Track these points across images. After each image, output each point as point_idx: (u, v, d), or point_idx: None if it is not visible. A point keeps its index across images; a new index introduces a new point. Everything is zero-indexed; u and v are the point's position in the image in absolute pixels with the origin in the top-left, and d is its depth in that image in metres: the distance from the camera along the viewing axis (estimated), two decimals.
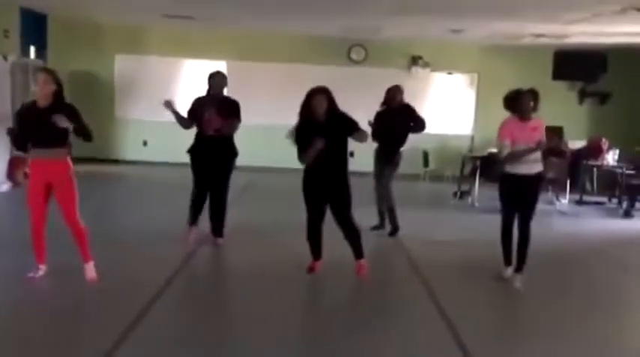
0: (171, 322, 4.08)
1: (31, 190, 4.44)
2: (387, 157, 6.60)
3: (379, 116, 6.71)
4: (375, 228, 6.73)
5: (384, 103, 6.72)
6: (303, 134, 4.80)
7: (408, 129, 6.62)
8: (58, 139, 4.37)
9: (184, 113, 5.74)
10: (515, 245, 5.05)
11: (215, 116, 5.60)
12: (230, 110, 5.73)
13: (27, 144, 4.46)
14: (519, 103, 4.92)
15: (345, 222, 4.99)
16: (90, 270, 4.56)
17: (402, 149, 6.63)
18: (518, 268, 5.05)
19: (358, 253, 5.10)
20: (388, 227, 6.67)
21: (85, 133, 4.43)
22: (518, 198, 5.00)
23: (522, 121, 4.93)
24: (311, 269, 5.16)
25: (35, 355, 3.47)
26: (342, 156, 4.97)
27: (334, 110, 4.87)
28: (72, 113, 4.36)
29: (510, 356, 3.71)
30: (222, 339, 3.81)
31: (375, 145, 6.62)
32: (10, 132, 4.54)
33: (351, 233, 5.04)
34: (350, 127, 4.85)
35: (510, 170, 4.99)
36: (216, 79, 5.76)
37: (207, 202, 5.86)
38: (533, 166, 4.96)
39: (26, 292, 4.36)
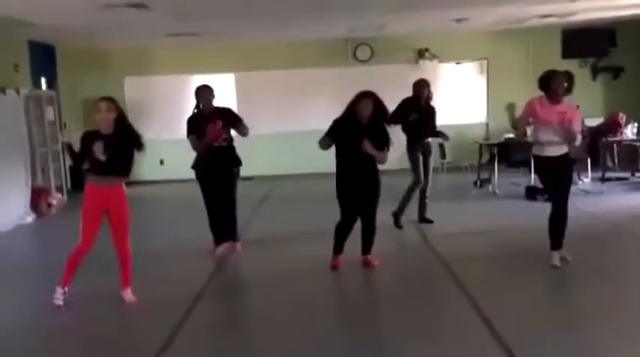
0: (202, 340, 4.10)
1: (85, 214, 4.47)
2: (427, 148, 6.80)
3: (408, 105, 6.74)
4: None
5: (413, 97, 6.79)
6: (341, 131, 5.05)
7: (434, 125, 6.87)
8: (123, 169, 4.50)
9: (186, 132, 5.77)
10: (554, 226, 5.00)
11: (222, 126, 5.66)
12: (233, 117, 5.82)
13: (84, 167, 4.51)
14: (551, 83, 4.86)
15: (370, 221, 5.25)
16: (128, 294, 4.65)
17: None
18: (559, 245, 5.01)
19: (368, 248, 5.36)
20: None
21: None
22: (556, 178, 4.95)
23: (552, 103, 4.86)
24: (334, 266, 5.32)
25: None
26: (373, 159, 5.11)
27: (382, 113, 5.08)
28: (137, 139, 4.53)
29: (550, 346, 3.64)
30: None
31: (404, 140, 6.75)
32: (69, 148, 4.66)
33: (371, 231, 5.30)
34: (382, 139, 5.06)
35: (538, 153, 4.94)
36: (206, 93, 5.75)
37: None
38: (558, 148, 4.90)
39: (57, 318, 4.42)
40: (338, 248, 5.35)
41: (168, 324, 4.13)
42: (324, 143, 5.15)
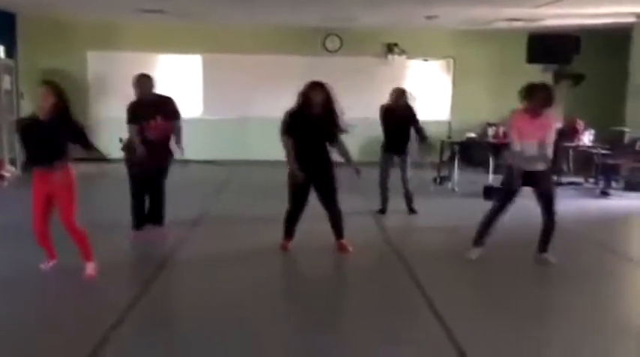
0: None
1: (34, 200, 4.53)
2: (402, 152, 7.07)
3: (387, 112, 7.05)
4: (380, 212, 7.12)
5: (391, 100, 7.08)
6: (296, 124, 5.11)
7: (410, 127, 7.10)
8: (58, 155, 4.43)
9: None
10: (541, 232, 5.16)
11: (162, 121, 5.66)
12: (171, 111, 5.78)
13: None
14: (531, 96, 4.90)
15: (332, 206, 5.35)
16: (89, 267, 4.62)
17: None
18: (545, 249, 5.18)
19: (340, 233, 5.45)
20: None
21: (90, 150, 4.61)
22: (535, 192, 5.05)
23: (532, 117, 4.92)
24: (284, 247, 5.47)
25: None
26: (324, 143, 5.25)
27: (331, 104, 5.15)
28: (73, 129, 4.47)
29: (503, 345, 3.73)
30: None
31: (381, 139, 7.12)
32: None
33: (335, 215, 5.40)
34: (335, 127, 5.19)
35: (518, 166, 4.99)
36: (146, 82, 5.73)
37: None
38: (538, 163, 4.97)
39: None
40: (288, 233, 5.48)
41: (117, 305, 4.08)
42: (288, 144, 5.17)
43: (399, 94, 7.06)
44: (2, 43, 9.95)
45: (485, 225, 5.21)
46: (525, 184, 5.01)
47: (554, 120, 5.02)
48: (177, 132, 5.84)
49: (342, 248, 5.45)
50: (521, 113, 5.00)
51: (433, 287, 4.57)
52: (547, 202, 5.08)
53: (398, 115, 6.98)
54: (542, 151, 4.92)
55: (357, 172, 5.30)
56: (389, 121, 7.03)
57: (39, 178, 4.51)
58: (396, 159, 7.13)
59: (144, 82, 5.71)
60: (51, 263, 4.73)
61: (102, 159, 4.76)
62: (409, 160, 7.12)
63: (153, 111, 5.64)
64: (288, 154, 5.21)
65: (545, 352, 3.60)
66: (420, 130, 7.12)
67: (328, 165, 5.30)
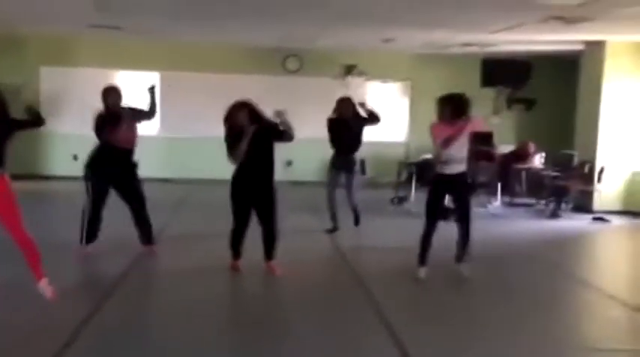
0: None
1: None
2: (349, 164, 7.02)
3: (332, 123, 7.05)
4: (331, 231, 7.09)
5: (335, 111, 7.07)
6: (232, 140, 5.10)
7: (361, 134, 7.07)
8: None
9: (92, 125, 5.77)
10: (457, 241, 5.34)
11: (132, 129, 5.75)
12: (139, 114, 5.94)
13: None
14: (439, 108, 5.17)
15: (269, 227, 5.30)
16: (46, 287, 4.41)
17: (357, 154, 7.09)
18: (460, 259, 5.34)
19: (272, 254, 5.38)
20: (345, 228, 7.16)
21: (33, 121, 4.57)
22: (452, 197, 5.25)
23: (448, 124, 5.11)
24: (234, 267, 5.42)
25: None
26: (268, 163, 5.24)
27: (259, 120, 5.12)
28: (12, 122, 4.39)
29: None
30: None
31: (329, 153, 7.13)
32: None
33: (272, 237, 5.34)
34: (274, 131, 5.13)
35: (439, 171, 5.22)
36: (113, 95, 5.75)
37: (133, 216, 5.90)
38: (458, 165, 5.17)
39: None
40: (235, 253, 5.43)
41: (71, 321, 3.96)
42: (233, 157, 5.14)
43: (343, 104, 7.03)
44: None
45: (423, 243, 5.31)
46: (444, 190, 5.24)
47: (474, 124, 5.19)
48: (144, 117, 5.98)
49: (270, 270, 5.38)
50: (438, 123, 5.20)
51: (386, 306, 4.60)
52: (463, 208, 5.28)
53: (342, 126, 6.97)
54: (458, 152, 5.12)
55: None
56: (334, 132, 7.02)
57: None
58: (344, 177, 7.07)
59: (111, 94, 5.73)
60: None
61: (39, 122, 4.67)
62: (356, 179, 7.09)
63: (119, 121, 5.63)
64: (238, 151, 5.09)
65: None
66: (371, 117, 7.05)
67: (269, 184, 5.27)
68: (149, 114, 6.06)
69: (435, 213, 5.28)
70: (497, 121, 9.82)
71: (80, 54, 11.17)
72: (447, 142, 5.01)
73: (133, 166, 5.86)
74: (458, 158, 5.15)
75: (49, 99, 11.17)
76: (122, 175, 5.77)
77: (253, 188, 5.23)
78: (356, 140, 7.06)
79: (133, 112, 5.87)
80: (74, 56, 11.16)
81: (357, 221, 7.31)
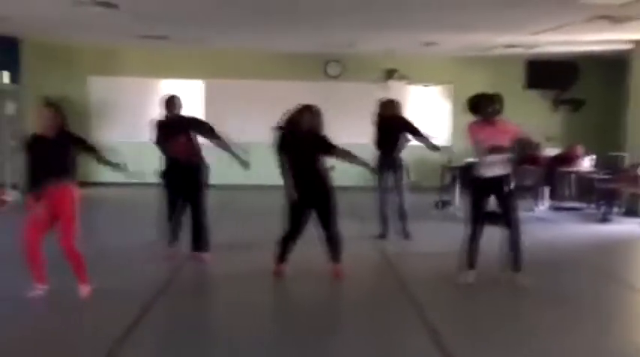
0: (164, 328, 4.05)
1: (35, 215, 4.51)
2: (396, 163, 6.98)
3: (382, 121, 7.03)
4: (381, 236, 7.03)
5: (379, 114, 7.08)
6: (287, 142, 5.14)
7: (402, 136, 7.02)
8: (63, 172, 4.54)
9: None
10: (508, 247, 5.17)
11: (185, 141, 5.80)
12: (199, 126, 5.96)
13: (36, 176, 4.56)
14: (479, 105, 5.08)
15: (330, 227, 5.28)
16: (85, 289, 4.64)
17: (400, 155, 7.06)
18: (517, 268, 5.16)
19: (337, 258, 5.35)
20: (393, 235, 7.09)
21: (97, 156, 4.81)
22: (497, 200, 5.11)
23: (488, 123, 5.00)
24: (277, 272, 5.41)
25: None
26: (318, 163, 5.27)
27: (317, 129, 5.19)
28: (78, 141, 4.67)
29: None
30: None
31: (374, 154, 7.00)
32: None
33: (336, 240, 5.33)
34: (325, 145, 5.22)
35: (481, 173, 5.09)
36: (174, 103, 5.86)
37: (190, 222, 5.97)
38: (499, 168, 5.06)
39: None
40: (282, 258, 5.43)
41: (119, 325, 4.07)
42: (283, 164, 5.24)
43: (387, 105, 7.04)
44: (6, 69, 10.05)
45: (469, 247, 5.22)
46: (488, 191, 5.08)
47: (513, 127, 5.11)
48: (225, 147, 5.99)
49: (336, 273, 5.38)
50: (475, 124, 5.09)
51: (431, 310, 4.56)
52: (508, 213, 5.11)
53: (387, 124, 6.94)
54: (502, 155, 5.00)
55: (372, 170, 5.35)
56: (382, 130, 7.00)
57: (41, 194, 4.51)
58: (391, 178, 7.00)
59: (171, 102, 5.85)
60: (40, 289, 4.61)
61: (120, 169, 4.87)
62: (404, 179, 7.02)
63: (177, 131, 5.76)
64: (284, 172, 5.23)
65: None
66: (421, 137, 7.02)
67: (327, 187, 5.29)
68: (213, 135, 5.97)
69: (478, 216, 5.17)
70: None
71: (126, 64, 11.47)
72: (492, 144, 4.91)
73: (197, 175, 5.91)
74: (499, 160, 5.05)
75: (97, 108, 11.52)
76: (184, 184, 5.84)
77: (311, 192, 5.22)
78: (399, 140, 7.03)
79: (194, 124, 5.93)
80: (120, 66, 11.47)
81: (405, 233, 7.09)
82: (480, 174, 5.10)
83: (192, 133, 5.85)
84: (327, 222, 5.29)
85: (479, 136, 5.02)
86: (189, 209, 5.92)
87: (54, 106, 4.65)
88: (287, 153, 5.21)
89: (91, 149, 4.78)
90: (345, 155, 5.31)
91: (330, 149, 5.23)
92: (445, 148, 7.12)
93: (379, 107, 7.10)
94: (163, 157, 5.90)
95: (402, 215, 7.08)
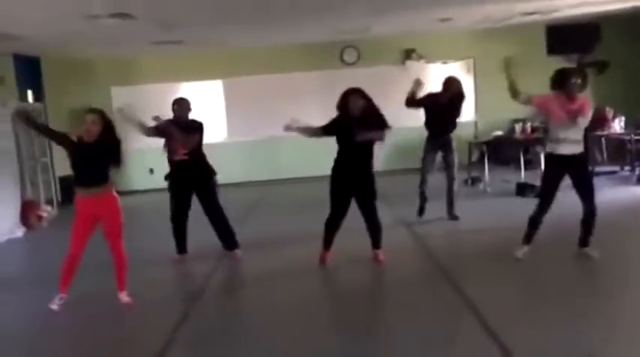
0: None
1: (78, 224, 4.57)
2: (447, 144, 6.85)
3: (432, 100, 6.83)
4: (420, 213, 7.03)
5: (445, 91, 6.87)
6: (338, 127, 5.19)
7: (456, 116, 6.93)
8: (104, 178, 4.61)
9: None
10: (581, 222, 5.06)
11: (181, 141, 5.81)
12: (193, 129, 5.90)
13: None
14: (567, 82, 4.82)
15: (371, 214, 5.37)
16: (125, 296, 4.74)
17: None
18: (586, 243, 5.09)
19: (378, 243, 5.48)
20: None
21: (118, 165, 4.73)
22: (572, 179, 4.96)
23: (568, 100, 4.84)
24: (322, 259, 5.50)
25: None
26: (369, 152, 5.27)
27: (370, 107, 5.22)
28: (112, 151, 4.65)
29: (544, 341, 3.66)
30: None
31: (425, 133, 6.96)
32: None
33: (375, 225, 5.42)
34: (379, 124, 5.19)
35: (553, 151, 4.95)
36: (180, 105, 5.96)
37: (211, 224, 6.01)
38: (575, 146, 4.91)
39: (52, 320, 4.42)
40: (327, 243, 5.50)
41: (165, 327, 4.14)
42: (313, 132, 5.32)
43: (453, 84, 6.84)
44: (30, 88, 10.23)
45: (532, 223, 5.10)
46: (563, 170, 4.93)
47: (588, 105, 4.91)
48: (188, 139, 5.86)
49: (376, 258, 5.46)
50: (555, 96, 4.90)
51: (476, 291, 4.51)
52: (584, 190, 4.97)
53: (444, 103, 6.75)
54: (577, 133, 4.85)
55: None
56: (434, 109, 6.79)
57: (85, 201, 4.57)
58: (441, 156, 6.89)
59: (179, 105, 5.94)
60: (62, 299, 4.67)
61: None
62: (455, 161, 6.87)
63: (185, 132, 5.81)
64: (304, 128, 5.28)
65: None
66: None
67: (369, 173, 5.31)
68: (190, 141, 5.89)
69: (550, 195, 5.00)
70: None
71: (145, 71, 11.57)
72: (575, 118, 4.75)
73: (207, 174, 5.95)
74: (576, 138, 4.90)
75: (121, 118, 11.64)
76: (195, 184, 5.88)
77: (353, 179, 5.27)
78: (454, 120, 6.90)
79: (190, 130, 5.87)
80: (140, 74, 11.57)
81: (452, 215, 6.98)
82: (556, 151, 4.95)
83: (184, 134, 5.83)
84: (368, 209, 5.35)
85: (557, 112, 4.85)
86: (205, 210, 5.92)
87: (97, 112, 4.66)
88: (340, 141, 5.25)
89: (116, 160, 4.72)
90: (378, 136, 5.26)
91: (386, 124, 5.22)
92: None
93: (443, 85, 6.87)
94: (169, 160, 5.93)
95: (451, 199, 6.98)
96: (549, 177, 5.03)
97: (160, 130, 5.85)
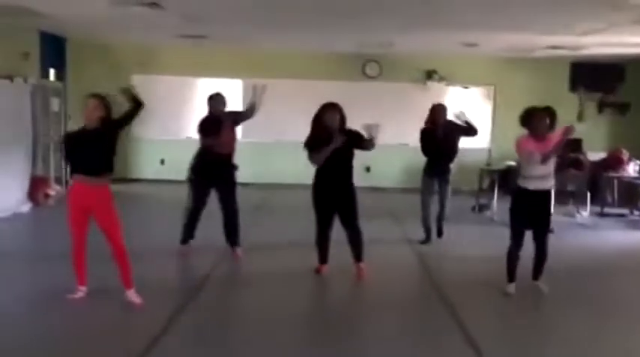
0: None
1: (71, 217, 4.50)
2: (444, 173, 6.81)
3: (425, 135, 6.84)
4: (424, 242, 6.92)
5: (429, 122, 6.85)
6: (316, 143, 5.19)
7: (456, 143, 6.88)
8: (102, 167, 4.47)
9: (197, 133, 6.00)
10: (533, 259, 5.10)
11: (232, 134, 5.99)
12: (237, 114, 6.18)
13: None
14: (534, 120, 4.85)
15: (352, 227, 5.38)
16: (133, 296, 4.58)
17: (452, 164, 6.89)
18: (537, 277, 5.14)
19: (359, 257, 5.45)
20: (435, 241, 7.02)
21: (132, 109, 4.68)
22: (532, 213, 4.97)
23: (538, 140, 4.86)
24: (318, 270, 5.52)
25: None
26: (347, 168, 5.32)
27: (343, 125, 5.24)
28: (117, 124, 4.58)
29: None
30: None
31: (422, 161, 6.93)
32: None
33: (356, 238, 5.41)
34: (358, 138, 5.21)
35: (523, 185, 4.95)
36: (219, 102, 6.00)
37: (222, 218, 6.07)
38: (545, 181, 4.93)
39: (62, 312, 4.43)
40: (322, 259, 5.53)
41: (154, 326, 4.12)
42: (313, 159, 5.26)
43: (436, 111, 6.81)
44: (53, 67, 10.32)
45: (510, 259, 5.11)
46: (532, 204, 4.94)
47: (555, 137, 4.90)
48: (245, 115, 6.17)
49: (359, 272, 5.43)
50: (527, 137, 4.91)
51: (468, 317, 4.48)
52: (544, 225, 5.01)
53: (436, 135, 6.74)
54: (549, 168, 4.87)
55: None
56: (427, 143, 6.78)
57: (77, 191, 4.48)
58: (437, 185, 6.88)
59: (216, 100, 5.99)
60: (81, 292, 4.60)
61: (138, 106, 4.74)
62: (449, 184, 6.87)
63: (224, 126, 5.89)
64: (320, 155, 5.18)
65: None
66: (467, 128, 6.86)
67: (349, 187, 5.35)
68: (248, 113, 6.16)
69: (522, 230, 5.03)
70: (582, 127, 9.36)
71: (167, 62, 11.64)
72: (546, 158, 4.76)
73: (233, 170, 6.04)
74: (548, 174, 4.93)
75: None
76: (222, 178, 5.95)
77: (334, 192, 5.32)
78: (451, 149, 6.85)
79: (234, 116, 6.09)
80: (162, 65, 11.64)
81: (440, 232, 7.06)
82: (525, 186, 4.95)
83: (233, 127, 6.01)
84: (349, 222, 5.37)
85: (528, 150, 4.86)
86: (223, 205, 5.98)
87: (99, 97, 4.56)
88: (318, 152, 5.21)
89: (126, 117, 4.66)
90: (370, 141, 5.23)
91: (364, 141, 5.20)
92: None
93: (430, 112, 6.84)
94: (201, 153, 5.93)
95: (441, 217, 7.02)
96: (517, 212, 5.02)
97: (208, 132, 5.85)
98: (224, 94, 6.11)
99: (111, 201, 4.54)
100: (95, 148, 4.43)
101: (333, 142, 5.06)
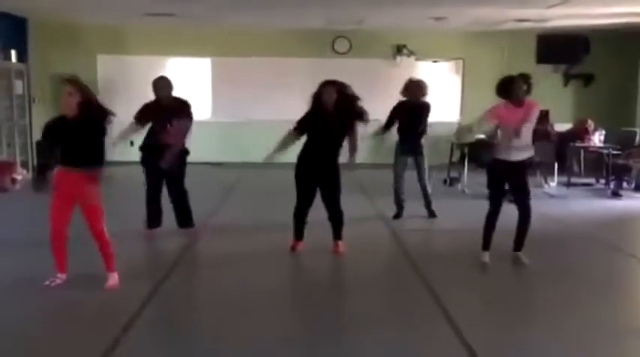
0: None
1: (55, 201, 4.37)
2: (417, 149, 6.84)
3: (402, 107, 6.84)
4: (396, 217, 6.97)
5: (405, 93, 6.85)
6: (311, 120, 5.23)
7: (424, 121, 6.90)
8: (93, 157, 4.32)
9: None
10: (516, 228, 5.15)
11: (177, 125, 5.70)
12: (182, 112, 5.77)
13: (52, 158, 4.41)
14: (512, 88, 4.91)
15: (333, 205, 5.39)
16: (112, 278, 4.52)
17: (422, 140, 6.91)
18: (519, 248, 5.19)
19: (339, 234, 5.49)
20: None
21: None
22: (509, 183, 5.05)
23: (516, 107, 4.93)
24: (293, 248, 5.52)
25: None
26: (337, 145, 5.32)
27: (348, 98, 5.27)
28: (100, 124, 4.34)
29: (507, 344, 3.73)
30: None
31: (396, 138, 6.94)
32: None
33: (337, 216, 5.43)
34: (355, 113, 5.27)
35: (500, 156, 5.02)
36: (162, 85, 5.78)
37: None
38: (523, 152, 4.99)
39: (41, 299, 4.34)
40: (298, 235, 5.52)
41: (128, 309, 4.11)
42: (291, 139, 5.34)
43: (413, 86, 6.81)
44: (14, 48, 10.04)
45: (486, 228, 5.20)
46: (509, 174, 5.02)
47: (535, 107, 4.96)
48: (185, 131, 5.83)
49: (336, 248, 5.48)
50: (504, 104, 4.99)
51: (444, 290, 4.56)
52: (523, 193, 5.08)
53: (413, 108, 6.75)
54: (527, 138, 4.93)
55: (352, 166, 5.35)
56: (403, 116, 6.79)
57: (63, 178, 4.32)
58: (411, 160, 6.92)
59: (161, 84, 5.77)
60: (59, 279, 4.47)
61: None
62: (425, 159, 6.89)
63: (169, 114, 5.67)
64: (281, 143, 5.32)
65: (558, 354, 3.58)
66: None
67: (335, 165, 5.35)
68: (188, 124, 5.83)
69: (498, 199, 5.12)
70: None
71: (134, 42, 11.43)
72: (518, 129, 4.81)
73: (180, 154, 5.83)
74: (525, 144, 4.98)
75: (105, 87, 11.50)
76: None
77: (319, 167, 5.31)
78: (423, 125, 6.88)
79: (174, 113, 5.72)
80: (128, 44, 11.42)
81: (428, 205, 7.07)
82: (503, 157, 5.02)
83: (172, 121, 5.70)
84: (331, 200, 5.38)
85: (505, 120, 4.93)
86: (168, 187, 5.89)
87: (71, 81, 4.26)
88: (306, 132, 5.28)
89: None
90: (353, 144, 5.38)
91: (360, 119, 5.27)
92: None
93: (408, 89, 6.85)
94: (145, 137, 5.88)
95: (427, 201, 7.05)
96: (493, 181, 5.12)
97: (146, 120, 5.82)
98: (168, 77, 5.87)
99: (97, 191, 4.41)
100: (82, 140, 4.24)
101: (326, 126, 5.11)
